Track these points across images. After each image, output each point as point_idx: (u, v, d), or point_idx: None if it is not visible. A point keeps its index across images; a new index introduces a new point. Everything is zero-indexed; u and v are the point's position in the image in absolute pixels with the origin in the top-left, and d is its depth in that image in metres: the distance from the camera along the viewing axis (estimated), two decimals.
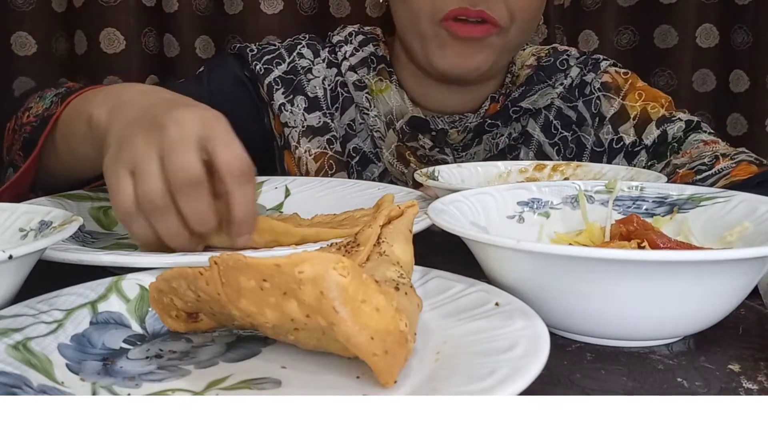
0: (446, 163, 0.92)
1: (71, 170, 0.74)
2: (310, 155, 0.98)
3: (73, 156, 0.71)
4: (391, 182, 0.97)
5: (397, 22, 0.96)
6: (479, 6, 0.86)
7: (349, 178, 0.97)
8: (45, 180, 0.78)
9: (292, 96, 0.99)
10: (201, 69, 1.02)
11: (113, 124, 0.60)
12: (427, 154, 0.98)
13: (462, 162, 0.94)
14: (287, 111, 0.98)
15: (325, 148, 0.98)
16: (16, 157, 0.78)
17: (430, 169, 0.79)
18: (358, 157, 0.99)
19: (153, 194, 0.53)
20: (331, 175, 0.97)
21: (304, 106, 0.98)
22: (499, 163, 0.84)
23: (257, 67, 0.99)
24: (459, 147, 0.98)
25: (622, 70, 1.02)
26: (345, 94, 1.00)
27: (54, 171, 0.76)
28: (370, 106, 0.98)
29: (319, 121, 0.99)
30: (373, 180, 0.98)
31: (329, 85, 1.00)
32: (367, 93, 0.99)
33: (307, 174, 0.97)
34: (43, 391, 0.38)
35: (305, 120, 0.98)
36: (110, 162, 0.56)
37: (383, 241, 0.46)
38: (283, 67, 0.99)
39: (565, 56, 1.02)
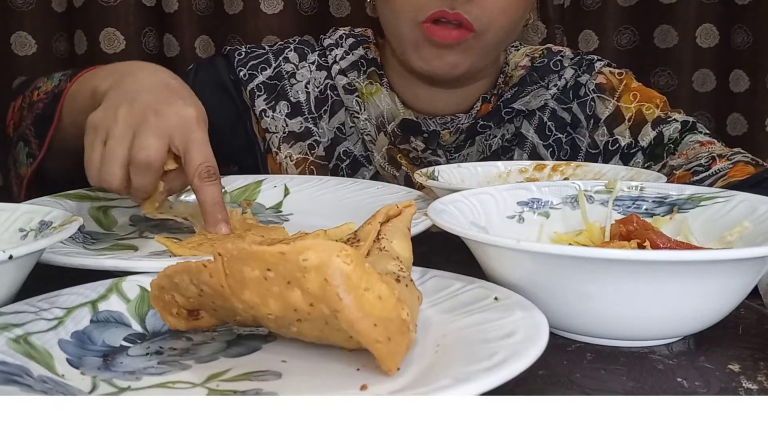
0: (439, 164, 0.92)
1: (72, 146, 0.76)
2: (291, 161, 0.98)
3: (76, 128, 0.75)
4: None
5: (382, 22, 0.96)
6: (457, 9, 0.86)
7: None
8: (52, 160, 0.82)
9: (274, 102, 0.99)
10: (190, 67, 1.03)
11: (111, 92, 0.68)
12: (419, 156, 0.97)
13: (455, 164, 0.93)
14: (268, 117, 0.99)
15: (306, 153, 0.98)
16: (27, 132, 0.83)
17: (430, 169, 0.79)
18: (348, 161, 0.99)
19: (110, 180, 0.64)
20: None
21: (286, 111, 0.99)
22: (499, 163, 0.84)
23: (241, 73, 1.00)
24: (452, 148, 0.98)
25: (617, 71, 1.02)
26: (334, 98, 1.00)
27: (58, 146, 0.81)
28: (361, 110, 0.98)
29: (301, 127, 0.99)
30: None
31: (318, 88, 1.01)
32: (357, 96, 0.99)
33: None
34: (43, 381, 0.38)
35: (287, 126, 0.99)
36: (90, 124, 0.66)
37: (383, 238, 0.47)
38: (268, 72, 1.00)
39: (558, 57, 1.02)
